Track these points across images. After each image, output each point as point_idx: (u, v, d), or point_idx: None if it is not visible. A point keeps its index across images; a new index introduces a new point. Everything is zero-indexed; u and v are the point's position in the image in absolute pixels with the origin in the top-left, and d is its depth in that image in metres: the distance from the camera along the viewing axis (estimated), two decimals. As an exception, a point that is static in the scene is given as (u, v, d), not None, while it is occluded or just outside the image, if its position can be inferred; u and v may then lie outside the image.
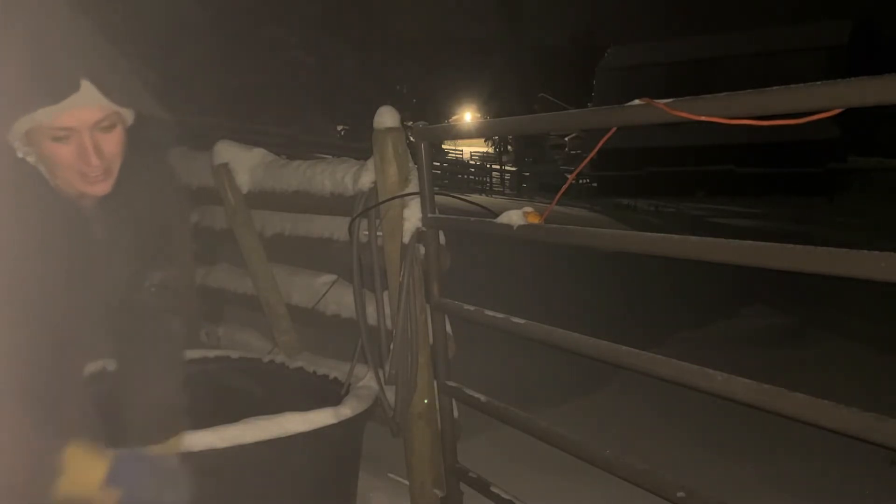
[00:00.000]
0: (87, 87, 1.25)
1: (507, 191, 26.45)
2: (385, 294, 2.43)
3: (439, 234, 2.29)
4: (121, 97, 1.30)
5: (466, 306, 2.21)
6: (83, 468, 1.30)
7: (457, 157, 33.83)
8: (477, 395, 2.25)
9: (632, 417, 3.82)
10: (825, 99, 1.21)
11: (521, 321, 2.03)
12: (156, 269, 1.60)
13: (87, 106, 1.25)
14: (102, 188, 1.31)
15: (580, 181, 26.31)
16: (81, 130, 1.26)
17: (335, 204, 2.56)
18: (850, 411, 1.27)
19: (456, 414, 2.40)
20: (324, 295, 2.79)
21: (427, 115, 20.01)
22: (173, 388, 1.62)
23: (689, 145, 23.09)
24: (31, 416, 1.28)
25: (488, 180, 27.19)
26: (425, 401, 2.36)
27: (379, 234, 2.36)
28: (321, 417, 1.98)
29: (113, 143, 1.30)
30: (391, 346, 2.31)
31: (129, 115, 1.34)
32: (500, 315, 2.09)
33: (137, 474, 1.37)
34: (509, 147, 35.06)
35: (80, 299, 1.37)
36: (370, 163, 2.37)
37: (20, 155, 1.28)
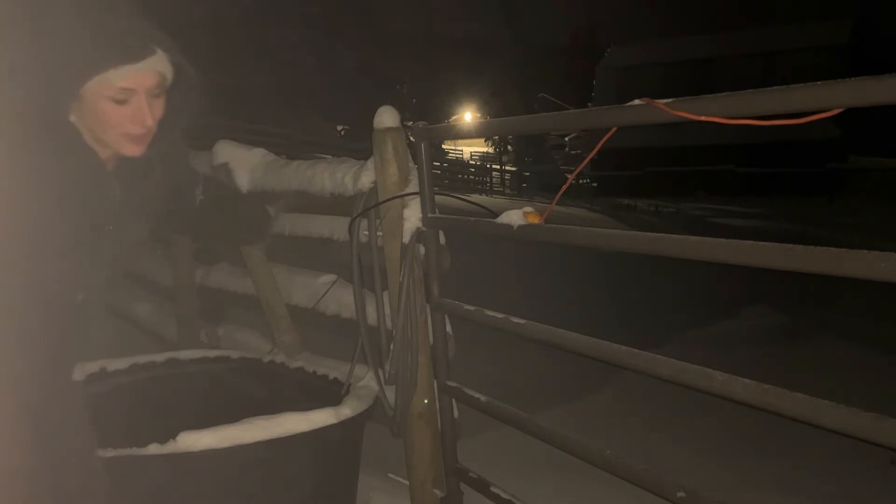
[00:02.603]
0: (160, 52, 1.35)
1: (508, 191, 26.46)
2: (385, 294, 2.43)
3: (439, 234, 2.29)
4: (179, 62, 1.41)
5: (466, 306, 2.20)
6: None
7: (457, 157, 33.83)
8: (477, 395, 2.25)
9: (632, 417, 3.82)
10: (825, 99, 1.21)
11: (521, 321, 2.02)
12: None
13: (154, 70, 1.35)
14: (140, 149, 1.39)
15: (580, 181, 26.32)
16: (140, 93, 1.34)
17: (335, 204, 2.56)
18: (850, 411, 1.27)
19: (456, 414, 2.40)
20: (324, 295, 2.79)
21: (427, 115, 20.04)
22: None
23: (689, 145, 23.11)
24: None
25: (488, 180, 27.18)
26: (425, 401, 2.36)
27: (379, 234, 2.36)
28: (321, 417, 1.98)
29: (160, 108, 1.39)
30: (391, 346, 2.31)
31: (169, 82, 1.42)
32: (500, 315, 2.09)
33: None
34: (509, 147, 35.08)
35: (91, 256, 1.43)
36: (370, 163, 2.37)
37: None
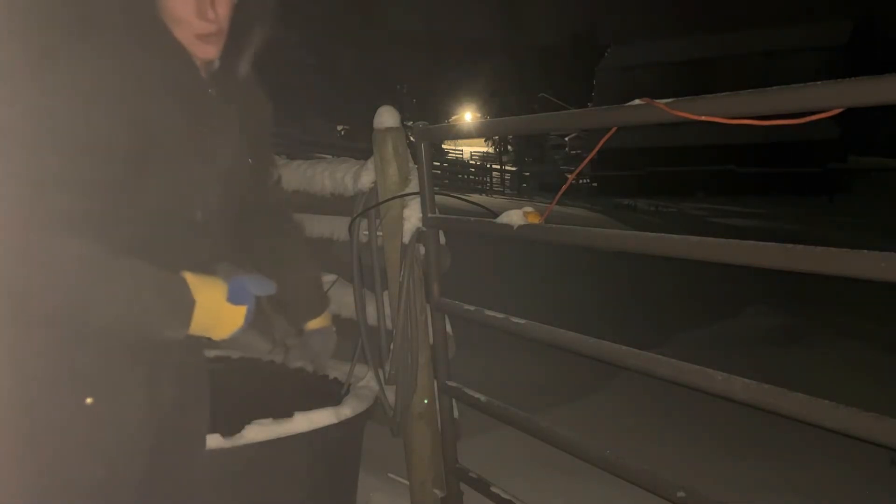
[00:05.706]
0: None
1: (508, 191, 26.45)
2: (385, 294, 2.43)
3: (439, 234, 2.29)
4: None
5: (466, 306, 2.20)
6: (206, 291, 1.29)
7: (457, 157, 33.84)
8: (477, 395, 2.25)
9: (632, 418, 3.82)
10: (825, 99, 1.21)
11: (522, 321, 2.03)
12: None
13: None
14: (212, 51, 1.35)
15: (580, 181, 26.34)
16: None
17: (335, 204, 2.56)
18: (850, 411, 1.27)
19: (456, 414, 2.40)
20: (324, 295, 2.79)
21: (427, 114, 20.07)
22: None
23: (690, 145, 23.14)
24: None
25: (488, 180, 27.18)
26: (425, 401, 2.37)
27: (379, 234, 2.36)
28: (321, 417, 1.98)
29: (224, 3, 1.33)
30: (391, 346, 2.31)
31: None
32: (500, 315, 2.09)
33: (249, 292, 1.37)
34: (509, 147, 35.12)
35: (198, 160, 1.36)
36: (370, 163, 2.37)
37: None
